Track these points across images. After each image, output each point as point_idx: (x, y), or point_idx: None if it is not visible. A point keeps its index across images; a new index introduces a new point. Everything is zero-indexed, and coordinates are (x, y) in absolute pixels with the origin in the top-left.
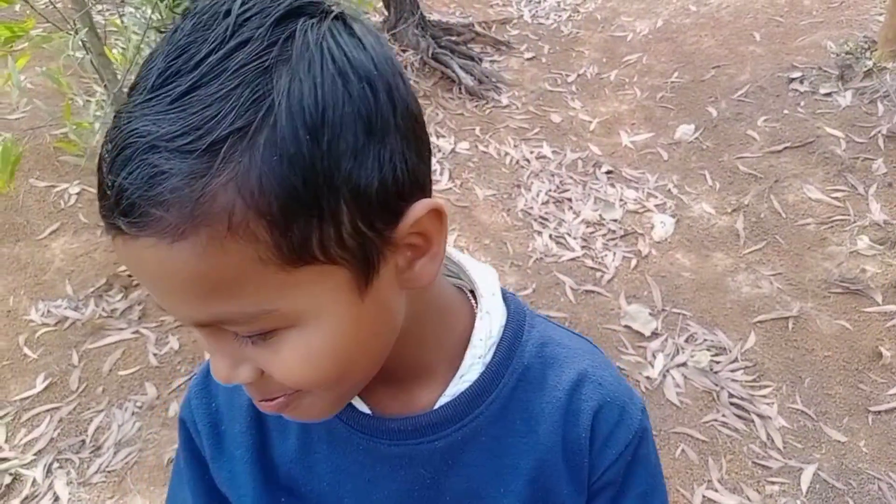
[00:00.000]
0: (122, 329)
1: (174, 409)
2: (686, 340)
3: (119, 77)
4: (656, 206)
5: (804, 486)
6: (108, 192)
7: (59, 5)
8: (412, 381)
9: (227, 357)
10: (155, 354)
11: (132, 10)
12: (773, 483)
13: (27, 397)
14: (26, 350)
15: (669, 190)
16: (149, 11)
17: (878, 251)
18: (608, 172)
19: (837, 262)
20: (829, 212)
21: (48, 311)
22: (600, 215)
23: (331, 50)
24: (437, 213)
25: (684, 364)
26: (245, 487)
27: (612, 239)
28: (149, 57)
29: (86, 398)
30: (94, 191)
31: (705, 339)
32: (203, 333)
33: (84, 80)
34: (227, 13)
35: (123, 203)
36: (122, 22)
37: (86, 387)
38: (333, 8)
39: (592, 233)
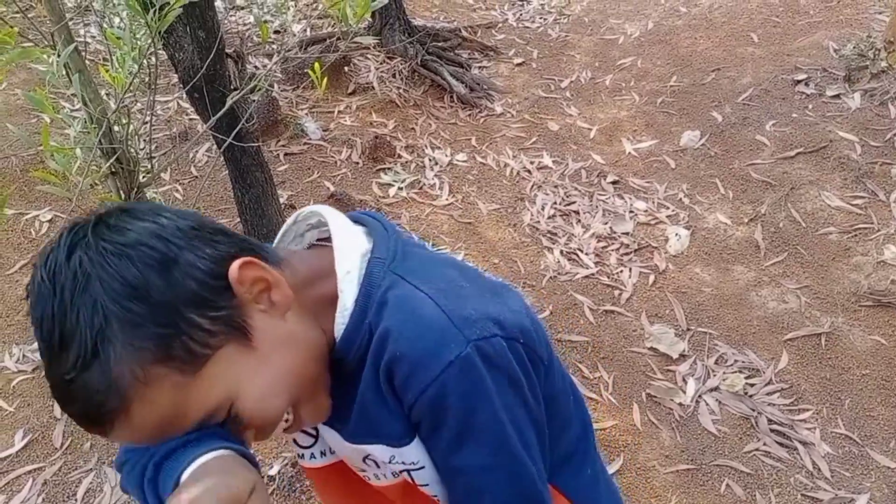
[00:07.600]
0: None
1: None
2: (716, 362)
3: (105, 96)
4: (668, 217)
5: None
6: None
7: (31, 15)
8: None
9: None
10: None
11: (118, 20)
12: None
13: (5, 457)
14: (1, 402)
15: (680, 200)
16: (128, 25)
17: None
18: (614, 182)
19: (865, 274)
20: (850, 220)
21: (24, 356)
22: (611, 228)
23: (106, 263)
24: (245, 263)
25: (717, 388)
26: None
27: (626, 253)
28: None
29: (72, 456)
30: (65, 216)
31: (736, 360)
32: None
33: (52, 97)
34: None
35: (86, 425)
36: (113, 28)
37: (71, 442)
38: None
39: (605, 247)
